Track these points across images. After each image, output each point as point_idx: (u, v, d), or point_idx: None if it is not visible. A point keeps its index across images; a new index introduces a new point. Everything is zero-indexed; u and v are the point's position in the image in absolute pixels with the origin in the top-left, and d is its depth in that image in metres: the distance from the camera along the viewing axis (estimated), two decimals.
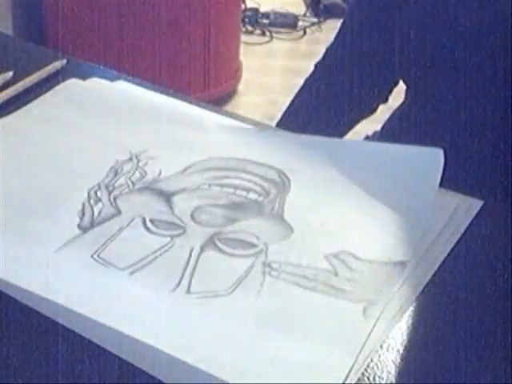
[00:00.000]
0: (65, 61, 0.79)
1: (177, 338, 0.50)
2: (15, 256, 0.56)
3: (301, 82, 1.00)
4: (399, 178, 0.64)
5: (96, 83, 0.76)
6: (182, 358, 0.49)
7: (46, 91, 0.75)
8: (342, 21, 0.93)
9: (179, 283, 0.54)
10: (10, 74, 0.78)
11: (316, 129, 0.86)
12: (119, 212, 0.61)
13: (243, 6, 2.87)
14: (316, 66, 0.96)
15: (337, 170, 0.66)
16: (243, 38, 2.66)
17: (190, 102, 0.73)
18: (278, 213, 0.61)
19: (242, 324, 0.52)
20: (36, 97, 0.74)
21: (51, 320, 0.52)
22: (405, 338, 0.52)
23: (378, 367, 0.50)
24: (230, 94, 2.54)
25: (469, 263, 0.59)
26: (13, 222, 0.59)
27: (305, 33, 3.01)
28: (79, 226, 0.59)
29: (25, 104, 0.74)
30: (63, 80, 0.77)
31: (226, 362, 0.49)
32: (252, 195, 0.63)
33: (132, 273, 0.55)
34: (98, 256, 0.56)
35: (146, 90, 0.76)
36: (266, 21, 3.01)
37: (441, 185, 0.63)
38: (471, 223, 0.62)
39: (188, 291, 0.54)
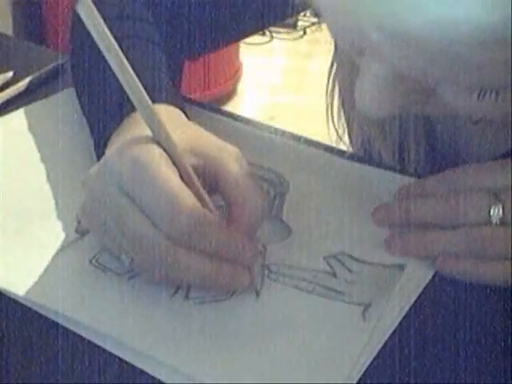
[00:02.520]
0: (65, 61, 0.79)
1: (175, 344, 0.50)
2: (12, 260, 0.56)
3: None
4: (397, 181, 0.64)
5: None
6: (181, 365, 0.49)
7: (46, 91, 0.75)
8: None
9: (178, 288, 0.54)
10: (10, 74, 0.78)
11: None
12: None
13: None
14: None
15: (336, 171, 0.66)
16: None
17: (190, 102, 0.73)
18: (276, 214, 0.61)
19: (242, 328, 0.52)
20: (36, 97, 0.75)
21: (51, 320, 0.52)
22: (404, 339, 0.52)
23: (377, 369, 0.50)
24: (229, 94, 2.54)
25: None
26: (9, 226, 0.59)
27: (305, 33, 3.01)
28: (77, 231, 0.59)
29: (25, 104, 0.74)
30: (63, 80, 0.77)
31: (226, 365, 0.49)
32: None
33: (130, 278, 0.55)
34: (96, 261, 0.56)
35: None
36: None
37: None
38: None
39: (187, 296, 0.54)
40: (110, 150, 0.54)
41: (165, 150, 0.52)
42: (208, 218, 0.50)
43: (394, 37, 0.42)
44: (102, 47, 0.48)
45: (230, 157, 0.54)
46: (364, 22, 0.43)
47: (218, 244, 0.51)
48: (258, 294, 0.54)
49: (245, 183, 0.53)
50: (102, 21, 0.47)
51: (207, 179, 0.53)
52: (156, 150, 0.51)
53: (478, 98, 0.48)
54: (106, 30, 0.47)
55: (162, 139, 0.52)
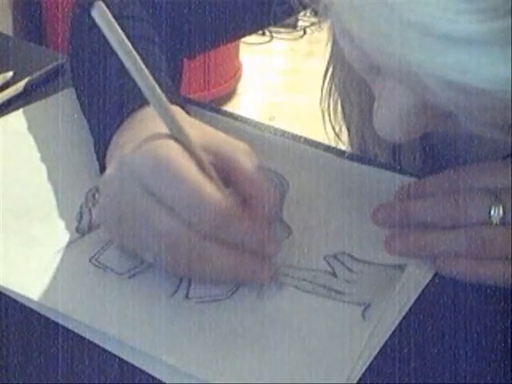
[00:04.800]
0: (65, 61, 0.79)
1: (175, 344, 0.50)
2: (12, 260, 0.56)
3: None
4: (397, 181, 0.64)
5: None
6: (181, 365, 0.49)
7: (46, 91, 0.75)
8: None
9: (178, 287, 0.54)
10: (10, 74, 0.78)
11: None
12: None
13: None
14: None
15: (336, 171, 0.66)
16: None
17: (190, 102, 0.73)
18: (276, 214, 0.61)
19: (242, 327, 0.52)
20: (36, 97, 0.75)
21: (51, 320, 0.52)
22: (404, 339, 0.52)
23: (377, 369, 0.50)
24: (229, 94, 2.54)
25: None
26: (10, 226, 0.59)
27: (305, 33, 3.01)
28: (77, 230, 0.59)
29: (25, 104, 0.74)
30: (63, 80, 0.77)
31: (226, 365, 0.49)
32: None
33: (131, 277, 0.55)
34: (97, 260, 0.56)
35: None
36: None
37: None
38: None
39: (187, 296, 0.54)
40: (123, 150, 0.54)
41: (182, 145, 0.52)
42: (234, 210, 0.51)
43: (456, 88, 0.41)
44: (118, 51, 0.48)
45: (241, 152, 0.54)
46: (422, 69, 0.41)
47: (243, 236, 0.51)
48: (258, 293, 0.54)
49: (259, 177, 0.53)
50: (117, 25, 0.47)
51: (219, 175, 0.54)
52: (174, 146, 0.52)
53: (496, 128, 0.48)
54: (122, 34, 0.48)
55: (179, 135, 0.52)
